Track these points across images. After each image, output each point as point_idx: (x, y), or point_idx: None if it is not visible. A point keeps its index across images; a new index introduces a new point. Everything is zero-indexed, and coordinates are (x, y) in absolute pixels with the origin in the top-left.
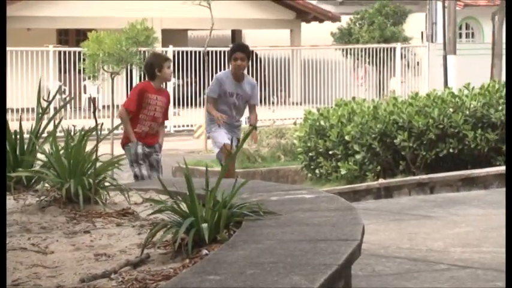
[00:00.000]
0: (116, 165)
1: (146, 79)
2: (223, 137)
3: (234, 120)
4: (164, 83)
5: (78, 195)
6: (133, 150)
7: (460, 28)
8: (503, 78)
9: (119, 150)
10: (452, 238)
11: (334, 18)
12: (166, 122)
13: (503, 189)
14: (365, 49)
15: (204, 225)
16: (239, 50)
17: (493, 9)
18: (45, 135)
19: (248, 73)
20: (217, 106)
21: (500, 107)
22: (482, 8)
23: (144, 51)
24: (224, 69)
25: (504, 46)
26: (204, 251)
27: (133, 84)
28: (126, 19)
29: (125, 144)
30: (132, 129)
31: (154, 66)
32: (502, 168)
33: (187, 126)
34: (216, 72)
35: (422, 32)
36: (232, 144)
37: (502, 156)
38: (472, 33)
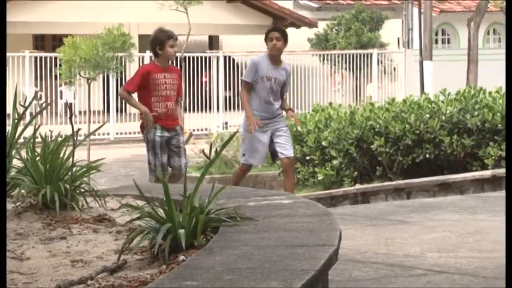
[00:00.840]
0: (92, 171)
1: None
2: (253, 154)
3: (273, 108)
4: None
5: (55, 201)
6: (151, 136)
7: (436, 34)
8: (479, 83)
9: (95, 155)
10: (428, 243)
11: (311, 24)
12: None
13: (479, 195)
14: (342, 55)
15: (181, 231)
16: (274, 30)
17: (468, 15)
18: (21, 141)
19: (225, 79)
20: (252, 94)
21: (476, 113)
22: (458, 14)
23: (121, 57)
24: (201, 74)
25: (479, 52)
26: (181, 257)
27: (110, 90)
28: (103, 24)
29: (143, 126)
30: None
31: (155, 45)
32: (478, 174)
33: None
34: (194, 77)
35: (398, 38)
36: (282, 149)
37: (477, 161)
38: (448, 39)
